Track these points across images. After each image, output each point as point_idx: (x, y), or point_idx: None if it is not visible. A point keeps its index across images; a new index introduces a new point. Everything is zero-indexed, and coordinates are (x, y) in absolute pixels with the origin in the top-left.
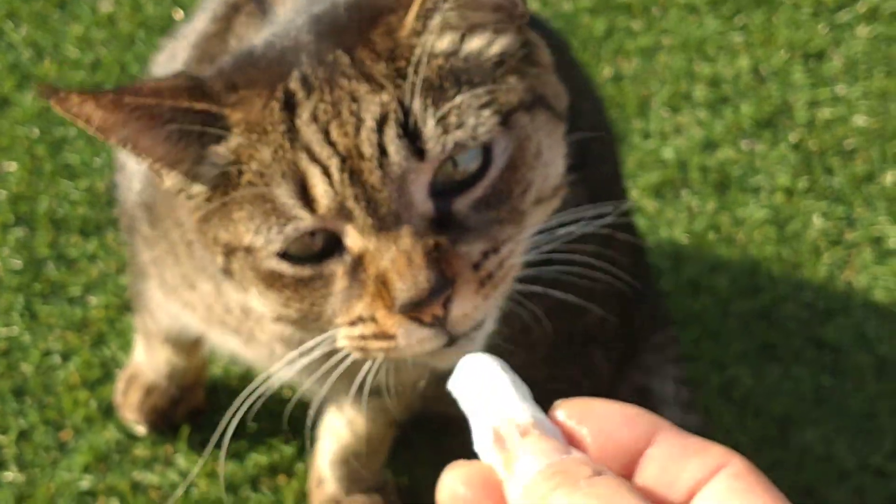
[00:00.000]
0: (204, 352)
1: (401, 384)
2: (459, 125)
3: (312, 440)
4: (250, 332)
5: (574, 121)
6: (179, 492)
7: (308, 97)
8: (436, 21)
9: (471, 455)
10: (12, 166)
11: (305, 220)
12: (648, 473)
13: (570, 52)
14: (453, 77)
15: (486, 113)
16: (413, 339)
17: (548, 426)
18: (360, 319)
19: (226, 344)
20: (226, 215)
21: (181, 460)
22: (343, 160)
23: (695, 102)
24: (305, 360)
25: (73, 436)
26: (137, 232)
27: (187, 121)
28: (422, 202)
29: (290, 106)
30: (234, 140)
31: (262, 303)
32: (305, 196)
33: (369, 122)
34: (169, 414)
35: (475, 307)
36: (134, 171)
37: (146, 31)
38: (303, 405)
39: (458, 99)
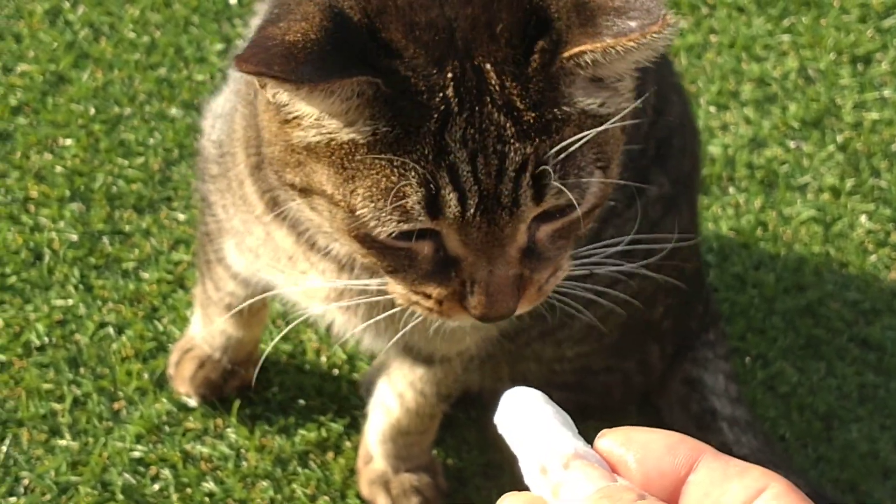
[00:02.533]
0: (260, 324)
1: (449, 351)
2: (576, 184)
3: (362, 418)
4: (299, 279)
5: (662, 112)
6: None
7: (460, 112)
8: (593, 71)
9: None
10: (69, 143)
11: (424, 224)
12: (692, 499)
13: None
14: (580, 133)
15: (597, 171)
16: (465, 324)
17: (591, 455)
18: (427, 296)
19: (289, 290)
20: (346, 173)
21: (232, 433)
22: (481, 198)
23: (742, 101)
24: (356, 298)
25: (126, 406)
26: (207, 173)
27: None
28: (523, 235)
29: (444, 117)
30: (384, 128)
31: (337, 238)
32: (432, 205)
33: (510, 172)
34: (220, 387)
35: (522, 310)
36: (217, 113)
37: (201, 16)
38: (354, 382)
39: (580, 159)
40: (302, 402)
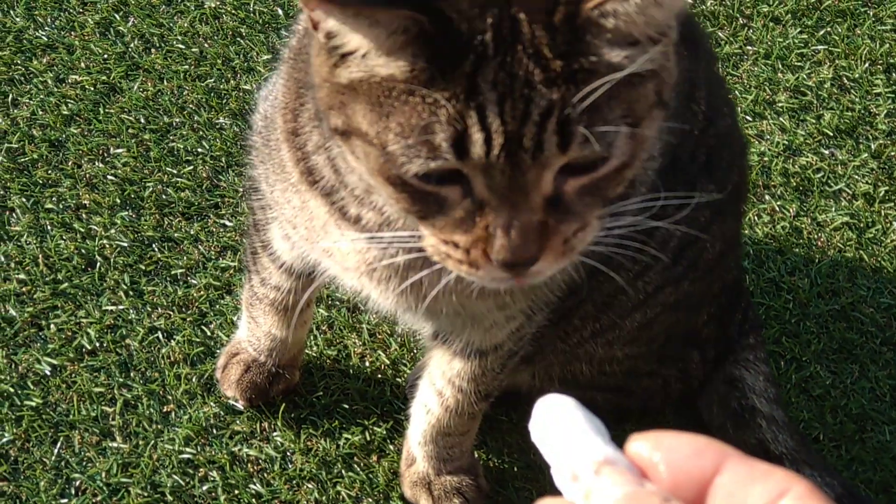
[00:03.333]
0: (304, 326)
1: (486, 344)
2: (603, 135)
3: (405, 421)
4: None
5: (713, 121)
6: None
7: (494, 56)
8: (615, 22)
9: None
10: (120, 151)
11: (450, 163)
12: (717, 501)
13: (709, 56)
14: (608, 88)
15: (624, 128)
16: (490, 277)
17: (621, 460)
18: (455, 245)
19: (327, 263)
20: (381, 110)
21: (278, 436)
22: (506, 140)
23: (778, 109)
24: (390, 255)
25: (175, 409)
26: (253, 147)
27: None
28: (547, 184)
29: (479, 60)
30: (422, 64)
31: (372, 183)
32: (459, 144)
33: (535, 117)
34: (266, 390)
35: (550, 268)
36: (269, 89)
37: (248, 28)
38: (397, 387)
39: (607, 112)
40: (346, 406)
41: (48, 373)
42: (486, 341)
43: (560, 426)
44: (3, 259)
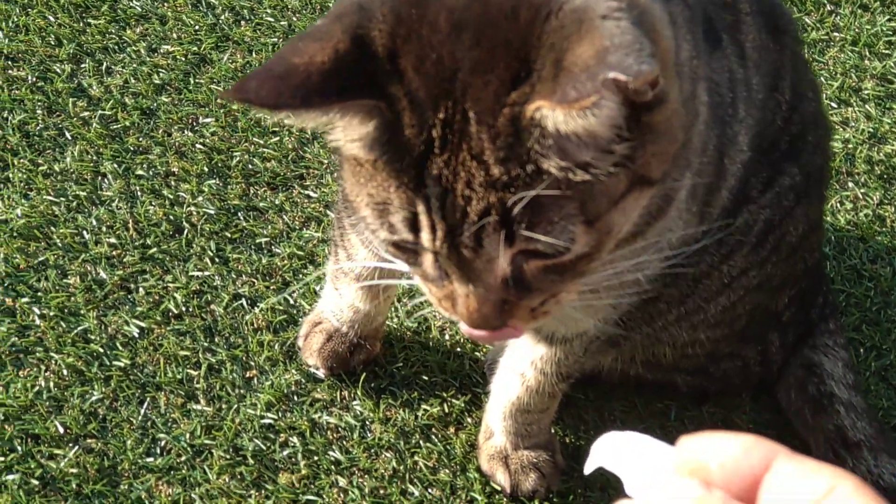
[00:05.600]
0: (388, 300)
1: (570, 333)
2: (548, 232)
3: (483, 395)
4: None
5: (797, 108)
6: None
7: (441, 152)
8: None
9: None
10: (209, 121)
11: (409, 240)
12: (766, 499)
13: (795, 42)
14: (554, 187)
15: (574, 225)
16: (471, 332)
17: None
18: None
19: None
20: (355, 179)
21: (357, 405)
22: (448, 231)
23: (864, 97)
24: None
25: (257, 375)
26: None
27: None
28: (502, 269)
29: (428, 147)
30: (380, 148)
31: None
32: (415, 226)
33: (472, 216)
34: (347, 360)
35: (522, 329)
36: None
37: (336, 2)
38: (475, 361)
39: (552, 212)
40: (425, 377)
41: (136, 335)
42: (571, 330)
43: (629, 446)
44: (95, 223)
